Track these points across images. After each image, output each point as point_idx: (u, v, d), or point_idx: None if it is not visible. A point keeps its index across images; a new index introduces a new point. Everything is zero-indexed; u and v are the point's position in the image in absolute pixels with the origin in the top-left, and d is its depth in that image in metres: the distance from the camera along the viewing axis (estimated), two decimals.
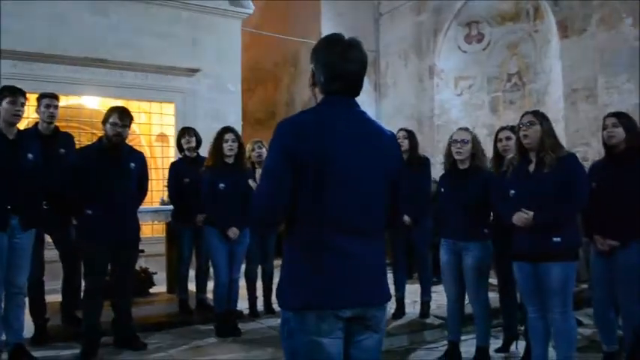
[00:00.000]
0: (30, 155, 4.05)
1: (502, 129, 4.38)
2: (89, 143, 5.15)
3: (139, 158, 4.57)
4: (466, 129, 4.22)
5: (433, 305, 5.34)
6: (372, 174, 1.87)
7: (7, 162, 3.91)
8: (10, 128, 3.97)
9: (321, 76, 1.88)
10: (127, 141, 4.55)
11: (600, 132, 3.86)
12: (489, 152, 4.36)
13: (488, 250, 4.00)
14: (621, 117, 3.74)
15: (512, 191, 3.53)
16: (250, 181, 4.75)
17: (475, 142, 4.06)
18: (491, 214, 4.08)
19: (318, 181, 1.77)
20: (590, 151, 7.19)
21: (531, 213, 3.36)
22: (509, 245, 3.58)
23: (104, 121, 4.39)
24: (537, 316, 3.54)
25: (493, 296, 4.25)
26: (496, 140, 4.32)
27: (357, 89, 1.91)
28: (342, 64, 1.86)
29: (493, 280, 4.50)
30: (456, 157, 4.03)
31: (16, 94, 3.95)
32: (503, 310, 4.42)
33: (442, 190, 4.17)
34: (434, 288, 5.48)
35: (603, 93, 7.43)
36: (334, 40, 1.90)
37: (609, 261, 3.68)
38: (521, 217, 3.39)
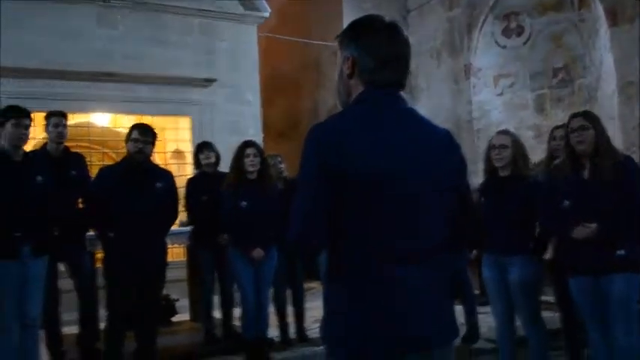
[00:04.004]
0: (39, 178, 4.13)
1: (557, 127, 4.35)
2: (110, 163, 5.25)
3: (166, 177, 4.63)
4: (506, 132, 4.18)
5: (483, 327, 5.26)
6: (428, 190, 1.68)
7: (14, 186, 3.99)
8: (16, 150, 4.07)
9: (368, 61, 1.70)
10: None
11: None
12: (536, 156, 4.31)
13: (535, 264, 3.94)
14: None
15: (567, 202, 3.47)
16: None
17: (516, 146, 4.00)
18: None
19: (363, 202, 1.61)
20: None
21: (594, 226, 3.30)
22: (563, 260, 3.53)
23: (126, 140, 4.48)
24: (599, 336, 3.47)
25: (550, 316, 4.17)
26: (550, 139, 4.27)
27: (405, 79, 1.76)
28: (393, 46, 1.72)
29: (549, 298, 4.42)
30: (496, 163, 3.97)
31: (20, 116, 4.04)
32: (564, 332, 4.33)
33: (482, 199, 4.12)
34: (481, 309, 5.41)
35: None
36: (377, 20, 1.76)
37: None
38: (584, 231, 3.34)
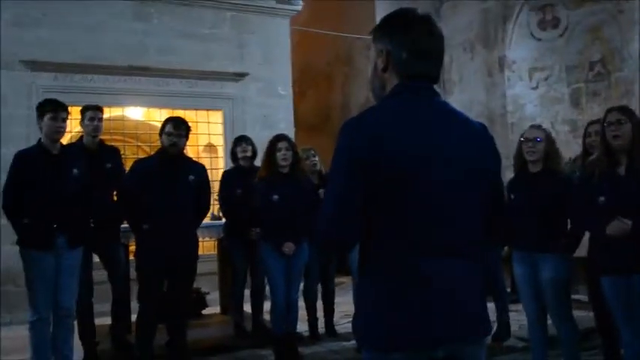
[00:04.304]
0: (75, 170, 4.23)
1: (592, 123, 4.27)
2: (143, 156, 5.32)
3: (199, 170, 4.70)
4: (539, 126, 4.14)
5: (515, 325, 5.21)
6: (464, 181, 1.66)
7: (51, 178, 4.10)
8: (53, 144, 4.16)
9: (403, 53, 1.70)
10: None
11: None
12: (571, 151, 4.24)
13: (567, 262, 3.88)
14: None
15: (602, 198, 3.41)
16: (321, 192, 4.76)
17: (549, 141, 3.95)
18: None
19: (397, 195, 1.60)
20: None
21: (629, 222, 3.24)
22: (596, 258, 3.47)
23: (160, 133, 4.55)
24: (632, 336, 3.40)
25: (583, 315, 4.11)
26: (585, 135, 4.20)
27: (439, 72, 1.76)
28: (427, 39, 1.72)
29: (582, 297, 4.36)
30: (528, 157, 3.92)
31: (57, 110, 4.14)
32: (599, 331, 4.27)
33: (512, 196, 4.06)
34: (513, 306, 5.36)
35: None
36: (411, 13, 1.76)
37: None
38: (620, 226, 3.28)
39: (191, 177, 4.52)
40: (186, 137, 4.59)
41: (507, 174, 5.62)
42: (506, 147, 8.81)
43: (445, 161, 1.63)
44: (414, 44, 1.70)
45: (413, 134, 1.63)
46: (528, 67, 9.36)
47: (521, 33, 9.34)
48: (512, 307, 5.39)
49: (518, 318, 5.31)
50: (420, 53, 1.71)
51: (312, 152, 5.59)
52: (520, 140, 3.99)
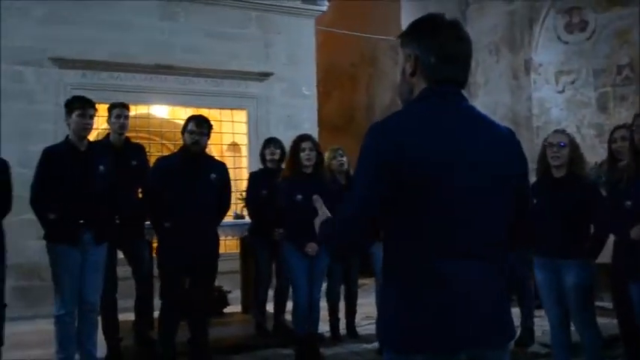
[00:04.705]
0: (101, 167, 4.29)
1: (617, 128, 4.23)
2: (167, 154, 5.36)
3: (220, 168, 4.73)
4: (563, 131, 4.10)
5: (538, 331, 5.17)
6: (488, 186, 1.67)
7: (79, 174, 4.17)
8: (80, 140, 4.23)
9: (431, 57, 1.72)
10: None
11: None
12: (597, 156, 4.20)
13: (590, 268, 3.84)
14: None
15: (629, 202, 3.37)
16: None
17: (573, 146, 3.91)
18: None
19: (419, 199, 1.61)
20: None
21: None
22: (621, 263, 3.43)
23: (182, 131, 4.58)
24: None
25: (606, 322, 4.06)
26: (610, 141, 4.15)
27: (467, 76, 1.78)
28: (454, 44, 1.74)
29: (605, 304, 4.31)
30: (552, 162, 3.89)
31: (85, 107, 4.20)
32: (623, 339, 4.21)
33: (535, 201, 4.01)
34: (536, 312, 5.31)
35: None
36: (439, 18, 1.78)
37: None
38: None
39: (213, 175, 4.55)
40: (208, 136, 4.62)
41: (532, 178, 5.60)
42: (532, 150, 8.72)
43: (470, 166, 1.64)
44: (441, 49, 1.72)
45: (437, 139, 1.64)
46: (555, 71, 9.28)
47: (548, 36, 9.27)
48: (536, 312, 5.33)
49: (542, 324, 5.25)
50: (448, 58, 1.72)
51: (340, 152, 5.58)
52: (544, 144, 3.97)
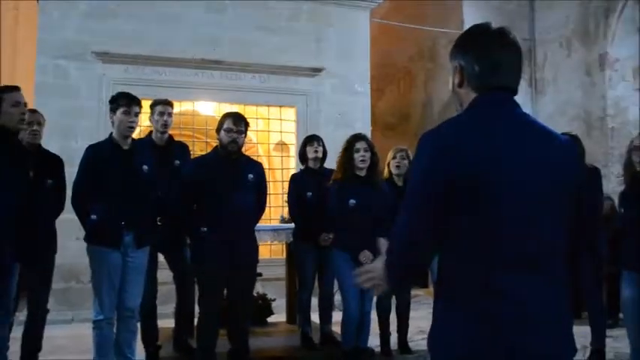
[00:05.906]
0: (145, 167, 4.29)
1: None
2: (203, 153, 5.38)
3: (257, 169, 4.71)
4: None
5: (609, 354, 4.98)
6: (545, 195, 1.71)
7: (122, 174, 4.16)
8: (124, 139, 4.23)
9: (475, 67, 1.79)
10: (243, 150, 4.71)
11: None
12: None
13: None
14: None
15: None
16: None
17: None
18: None
19: (471, 209, 1.66)
20: None
21: None
22: None
23: (218, 129, 4.59)
24: None
25: None
26: None
27: (517, 83, 1.83)
28: (499, 50, 1.80)
29: None
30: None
31: (131, 104, 4.19)
32: None
33: (622, 210, 3.86)
34: (609, 332, 5.12)
35: None
36: (483, 27, 1.86)
37: None
38: None
39: (250, 176, 4.54)
40: (245, 134, 4.61)
41: (606, 184, 5.42)
42: (605, 154, 8.51)
43: (522, 175, 1.68)
44: (484, 57, 1.80)
45: (488, 148, 1.68)
46: (633, 67, 9.00)
47: (626, 28, 8.99)
48: (608, 332, 5.14)
49: (615, 345, 5.08)
50: (492, 65, 1.79)
51: (402, 154, 5.46)
52: (630, 148, 3.81)
